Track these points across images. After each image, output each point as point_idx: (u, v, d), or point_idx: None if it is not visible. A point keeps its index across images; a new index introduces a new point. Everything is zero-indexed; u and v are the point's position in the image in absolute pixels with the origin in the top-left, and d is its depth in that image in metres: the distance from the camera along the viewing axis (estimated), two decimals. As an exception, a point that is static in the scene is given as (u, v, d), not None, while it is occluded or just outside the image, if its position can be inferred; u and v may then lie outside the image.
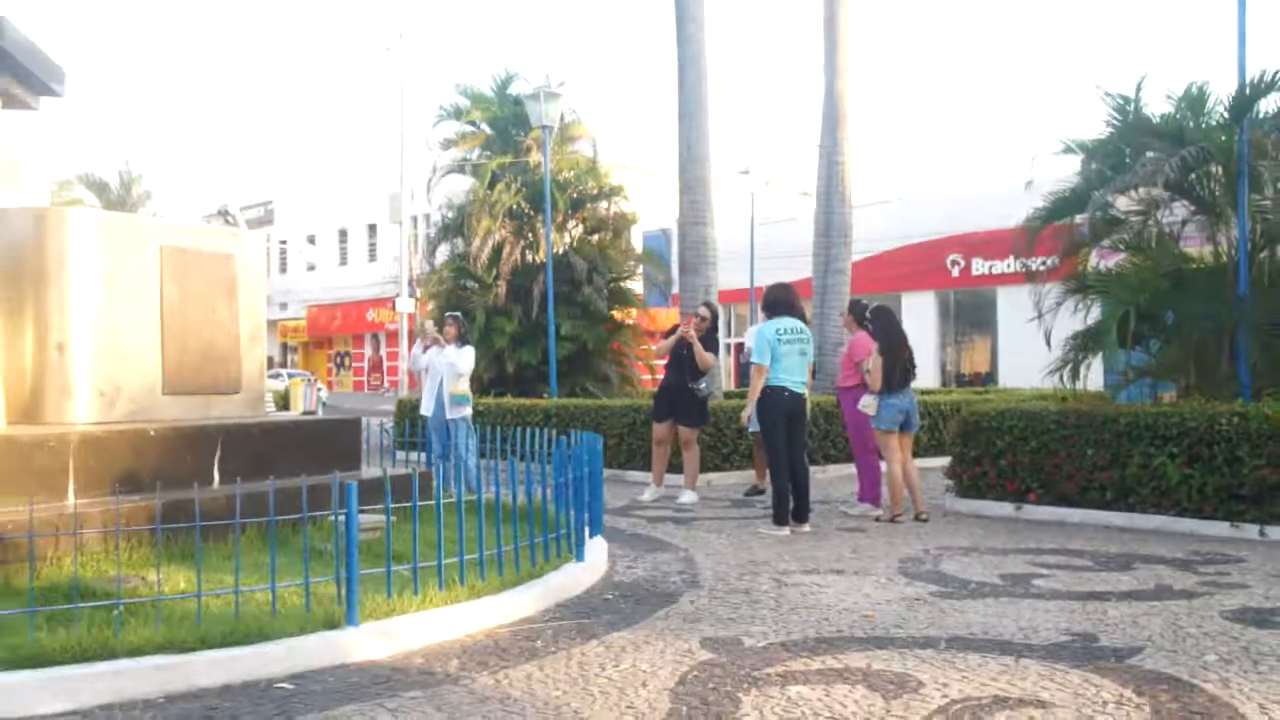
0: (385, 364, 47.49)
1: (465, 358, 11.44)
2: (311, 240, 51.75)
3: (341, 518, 5.23)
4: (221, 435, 7.78)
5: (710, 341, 11.11)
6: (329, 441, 8.81)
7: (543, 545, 6.72)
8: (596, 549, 7.42)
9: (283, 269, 56.07)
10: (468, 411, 11.46)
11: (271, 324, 53.72)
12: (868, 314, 10.07)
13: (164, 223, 9.58)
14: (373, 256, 49.88)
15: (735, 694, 4.48)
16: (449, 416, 11.27)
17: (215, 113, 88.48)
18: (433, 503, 6.35)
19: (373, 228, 49.45)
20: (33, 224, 7.99)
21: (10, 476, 6.53)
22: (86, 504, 6.74)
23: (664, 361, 11.66)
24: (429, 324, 12.61)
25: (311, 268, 51.87)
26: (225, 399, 8.64)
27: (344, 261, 52.45)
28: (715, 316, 11.51)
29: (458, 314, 12.89)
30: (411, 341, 12.59)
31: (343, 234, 52.51)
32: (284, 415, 12.48)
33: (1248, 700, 4.40)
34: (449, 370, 11.35)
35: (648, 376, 20.69)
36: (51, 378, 7.78)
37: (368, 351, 50.01)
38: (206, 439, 7.70)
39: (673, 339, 11.19)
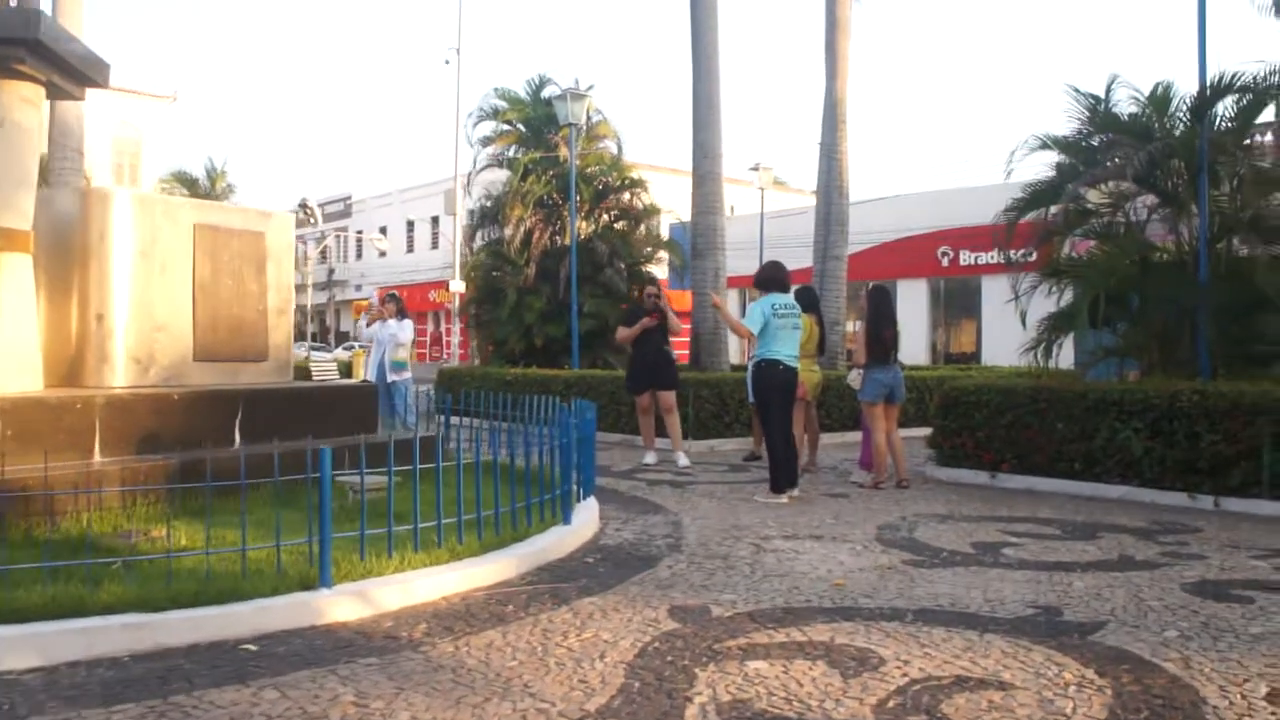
0: (444, 339, 46.93)
1: (405, 330, 11.87)
2: (383, 231, 51.35)
3: (327, 478, 4.57)
4: (243, 399, 7.18)
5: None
6: (347, 406, 8.21)
7: (534, 508, 6.03)
8: (586, 511, 6.69)
9: (359, 256, 56.06)
10: (407, 375, 11.83)
11: (346, 303, 53.58)
12: (864, 294, 9.42)
13: (198, 202, 9.02)
14: (435, 244, 49.56)
15: (692, 669, 3.81)
16: (390, 379, 11.48)
17: (299, 115, 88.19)
18: (432, 465, 5.56)
19: (435, 219, 49.24)
20: (77, 203, 7.44)
21: (41, 436, 5.96)
22: (108, 462, 6.19)
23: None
24: (373, 301, 12.51)
25: (383, 254, 51.62)
26: (253, 366, 8.04)
27: (410, 249, 52.30)
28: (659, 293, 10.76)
29: (395, 294, 13.21)
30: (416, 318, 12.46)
31: (410, 225, 52.40)
32: (305, 382, 11.98)
33: (1209, 682, 3.71)
34: (390, 340, 11.65)
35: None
36: (91, 346, 7.23)
37: (429, 327, 49.46)
38: (228, 402, 7.12)
39: (636, 328, 10.50)
